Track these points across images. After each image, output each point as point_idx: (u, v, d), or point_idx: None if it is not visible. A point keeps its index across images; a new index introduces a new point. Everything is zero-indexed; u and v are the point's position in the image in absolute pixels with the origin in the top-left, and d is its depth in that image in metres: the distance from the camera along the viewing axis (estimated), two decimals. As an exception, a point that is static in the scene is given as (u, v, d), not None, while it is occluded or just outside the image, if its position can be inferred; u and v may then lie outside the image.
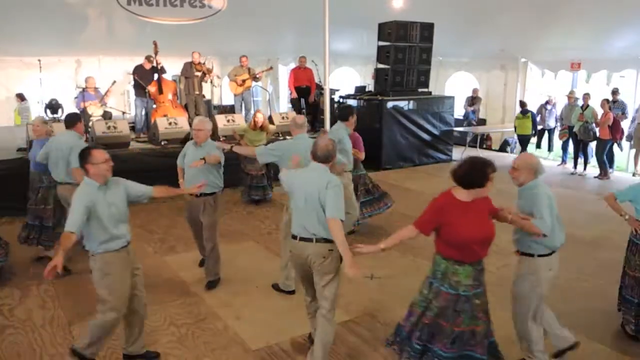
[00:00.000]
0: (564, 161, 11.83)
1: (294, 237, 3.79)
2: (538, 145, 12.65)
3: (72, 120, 5.86)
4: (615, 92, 10.90)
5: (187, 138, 9.43)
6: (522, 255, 3.95)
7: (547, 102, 12.18)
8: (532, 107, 12.17)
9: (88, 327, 3.86)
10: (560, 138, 11.79)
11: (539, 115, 12.21)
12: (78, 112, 10.54)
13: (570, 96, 11.40)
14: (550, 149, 12.72)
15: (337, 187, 3.67)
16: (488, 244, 3.55)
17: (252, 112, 12.00)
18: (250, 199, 8.56)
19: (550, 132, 12.35)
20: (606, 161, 10.57)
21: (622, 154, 11.39)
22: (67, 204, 5.76)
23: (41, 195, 6.06)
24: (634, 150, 10.97)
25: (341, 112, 7.05)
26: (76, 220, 3.55)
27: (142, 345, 4.17)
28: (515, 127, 11.82)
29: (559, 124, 12.03)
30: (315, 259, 3.74)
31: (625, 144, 11.03)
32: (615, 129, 10.28)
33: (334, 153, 3.80)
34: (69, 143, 5.59)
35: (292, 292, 5.24)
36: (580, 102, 11.17)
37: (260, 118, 8.47)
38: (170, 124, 9.38)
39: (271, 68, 12.93)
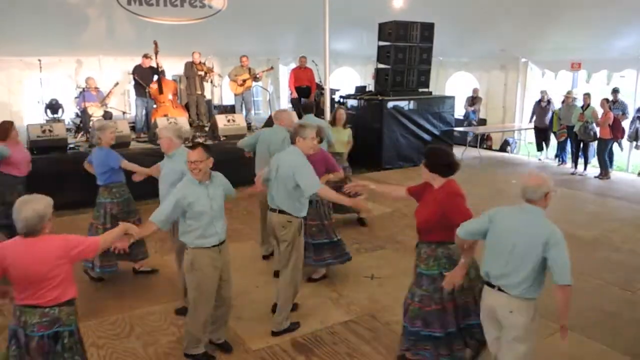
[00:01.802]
0: (563, 161, 11.83)
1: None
2: (539, 147, 12.54)
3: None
4: (615, 91, 10.89)
5: (186, 138, 9.46)
6: None
7: (540, 100, 12.02)
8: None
9: (184, 327, 4.16)
10: (559, 138, 11.79)
11: (534, 114, 12.16)
12: (78, 112, 10.58)
13: (569, 96, 11.39)
14: (543, 147, 12.54)
15: (308, 167, 4.29)
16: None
17: (253, 112, 12.04)
18: None
19: (547, 130, 12.16)
20: (607, 161, 10.57)
21: (622, 154, 11.38)
22: None
23: None
24: (634, 151, 10.97)
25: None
26: (161, 211, 3.82)
27: (222, 334, 4.30)
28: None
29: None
30: (277, 228, 4.41)
31: (625, 143, 11.02)
32: (615, 129, 10.28)
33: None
34: None
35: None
36: (578, 102, 11.18)
37: (343, 115, 7.36)
38: (170, 123, 9.37)
39: (272, 68, 12.94)
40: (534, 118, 12.18)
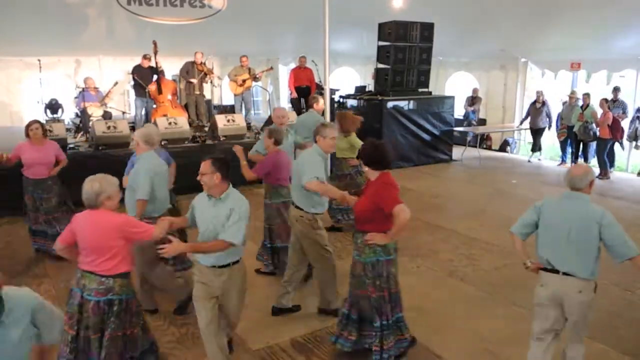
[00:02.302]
0: (563, 161, 11.83)
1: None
2: (534, 149, 12.44)
3: None
4: (616, 89, 10.86)
5: (186, 138, 9.45)
6: None
7: (535, 101, 11.98)
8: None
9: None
10: (559, 138, 11.79)
11: (529, 114, 12.11)
12: (78, 112, 10.59)
13: (572, 96, 11.39)
14: (537, 148, 12.42)
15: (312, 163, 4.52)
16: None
17: (252, 112, 12.03)
18: None
19: (540, 132, 12.11)
20: (607, 161, 10.57)
21: (622, 154, 11.37)
22: None
23: None
24: (634, 151, 10.97)
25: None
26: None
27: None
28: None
29: (554, 123, 12.03)
30: (292, 222, 4.70)
31: (625, 143, 11.02)
32: (615, 128, 10.28)
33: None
34: None
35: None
36: (580, 102, 11.17)
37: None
38: (170, 123, 9.37)
39: (271, 68, 12.94)
40: (529, 119, 12.13)
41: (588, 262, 3.35)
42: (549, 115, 12.05)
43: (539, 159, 12.46)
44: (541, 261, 3.59)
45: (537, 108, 11.91)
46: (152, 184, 4.55)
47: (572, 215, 3.40)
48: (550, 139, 13.08)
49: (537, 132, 12.15)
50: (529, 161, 12.34)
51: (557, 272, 3.47)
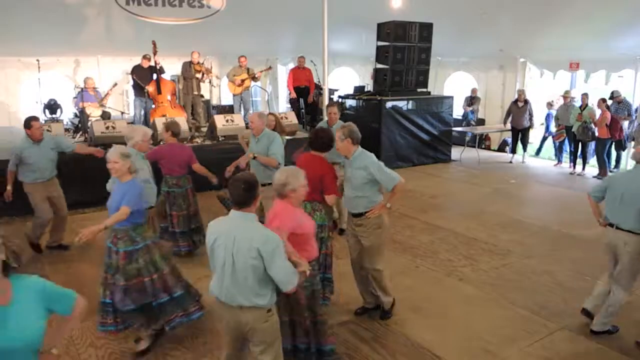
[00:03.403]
0: (559, 161, 11.84)
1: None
2: (514, 149, 12.31)
3: None
4: (616, 95, 10.76)
5: (185, 138, 9.43)
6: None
7: (517, 99, 11.88)
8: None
9: None
10: (557, 138, 11.79)
11: (509, 114, 11.97)
12: (77, 112, 10.58)
13: (566, 96, 11.40)
14: (523, 149, 12.29)
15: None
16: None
17: (251, 112, 12.02)
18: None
19: (525, 131, 12.02)
20: (606, 160, 10.57)
21: (623, 153, 11.36)
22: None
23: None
24: (633, 151, 10.95)
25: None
26: None
27: None
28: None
29: (536, 122, 12.03)
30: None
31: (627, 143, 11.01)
32: (614, 128, 10.29)
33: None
34: None
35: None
36: (576, 103, 11.17)
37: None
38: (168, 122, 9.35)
39: (270, 68, 12.94)
40: (510, 118, 11.98)
41: (633, 219, 4.27)
42: (531, 115, 11.96)
43: (523, 161, 12.15)
44: (606, 219, 4.57)
45: (519, 107, 11.80)
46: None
47: (627, 183, 4.37)
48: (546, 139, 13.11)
49: (520, 132, 12.01)
50: (511, 162, 12.13)
51: (612, 225, 4.46)
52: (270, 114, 6.99)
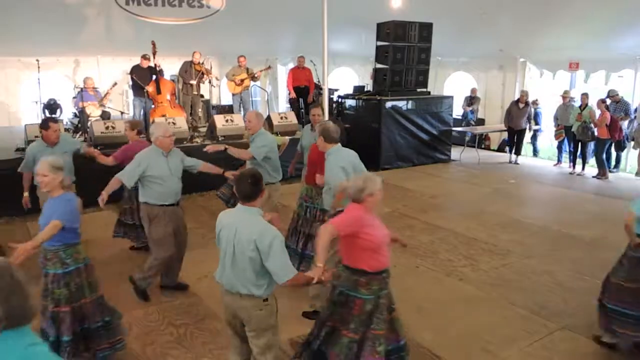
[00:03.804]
0: (559, 161, 11.84)
1: None
2: (511, 150, 12.19)
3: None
4: (613, 94, 10.75)
5: (185, 138, 9.44)
6: None
7: (518, 100, 11.79)
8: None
9: None
10: (557, 138, 11.78)
11: (509, 114, 11.87)
12: (76, 112, 10.58)
13: (565, 96, 11.39)
14: (517, 151, 12.12)
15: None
16: None
17: (251, 111, 12.01)
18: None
19: (520, 133, 11.93)
20: (605, 160, 10.57)
21: (622, 154, 11.37)
22: None
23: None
24: (633, 151, 10.97)
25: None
26: None
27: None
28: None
29: (536, 125, 12.05)
30: None
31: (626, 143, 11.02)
32: (613, 129, 10.29)
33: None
34: None
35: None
36: (575, 103, 11.16)
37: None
38: (169, 124, 9.36)
39: (269, 67, 12.93)
40: (509, 119, 11.83)
41: None
42: (529, 118, 11.94)
43: (517, 162, 12.01)
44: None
45: (519, 108, 11.69)
46: None
47: None
48: (548, 139, 13.12)
49: (517, 133, 11.95)
50: (510, 162, 12.05)
51: None
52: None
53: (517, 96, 12.28)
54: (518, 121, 11.78)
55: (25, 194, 5.84)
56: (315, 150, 5.10)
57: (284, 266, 3.11)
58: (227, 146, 5.62)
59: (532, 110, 12.16)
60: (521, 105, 11.72)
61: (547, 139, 13.22)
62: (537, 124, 12.63)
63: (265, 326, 3.26)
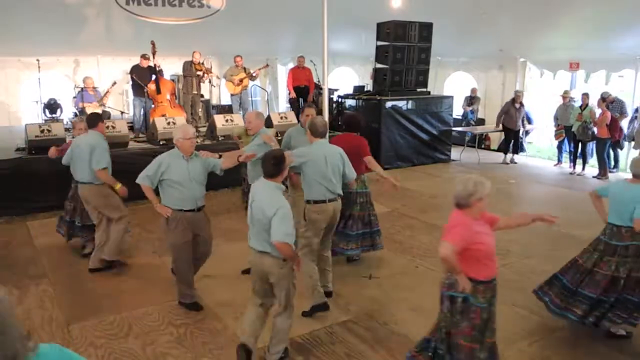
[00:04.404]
0: (559, 161, 11.84)
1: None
2: (507, 149, 12.19)
3: (93, 120, 5.94)
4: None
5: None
6: None
7: (514, 100, 11.77)
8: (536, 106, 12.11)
9: None
10: (557, 138, 11.78)
11: (505, 113, 11.85)
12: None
13: (565, 96, 11.39)
14: (515, 150, 12.16)
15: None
16: None
17: (251, 111, 12.02)
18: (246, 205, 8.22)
19: (517, 133, 11.95)
20: (606, 160, 10.57)
21: (621, 153, 11.36)
22: (86, 203, 5.82)
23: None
24: (633, 151, 10.97)
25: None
26: None
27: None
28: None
29: (528, 125, 12.09)
30: None
31: (624, 143, 11.01)
32: (613, 128, 10.29)
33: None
34: (90, 143, 5.66)
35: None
36: (575, 103, 11.15)
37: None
38: (168, 123, 9.36)
39: (267, 65, 12.90)
40: (507, 119, 11.80)
41: None
42: (524, 118, 11.96)
43: (515, 162, 12.03)
44: None
45: (516, 108, 11.71)
46: None
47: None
48: (548, 139, 13.11)
49: (515, 133, 11.97)
50: (512, 162, 12.03)
51: None
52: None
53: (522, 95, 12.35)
54: (515, 121, 11.79)
55: (119, 186, 5.75)
56: (342, 140, 5.65)
57: (280, 229, 3.64)
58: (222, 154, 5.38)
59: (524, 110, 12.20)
60: (517, 106, 11.75)
61: (547, 139, 13.21)
62: (529, 123, 12.64)
63: (284, 280, 3.88)
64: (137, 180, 4.77)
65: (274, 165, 3.80)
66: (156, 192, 4.83)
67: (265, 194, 3.78)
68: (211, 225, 5.14)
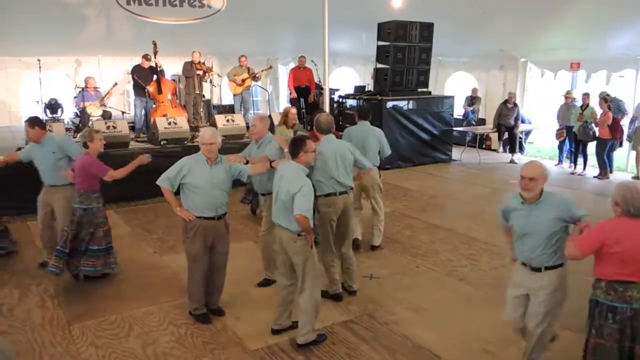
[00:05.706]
0: (560, 161, 11.84)
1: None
2: (506, 148, 12.28)
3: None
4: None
5: (186, 138, 9.45)
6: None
7: (506, 101, 11.86)
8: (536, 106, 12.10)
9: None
10: (558, 138, 11.77)
11: (500, 114, 11.92)
12: (77, 112, 10.59)
13: (568, 96, 11.39)
14: (512, 149, 12.21)
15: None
16: None
17: (252, 111, 12.04)
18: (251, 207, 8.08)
19: (511, 130, 12.01)
20: (606, 160, 10.56)
21: (621, 154, 11.36)
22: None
23: None
24: (632, 151, 10.96)
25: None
26: None
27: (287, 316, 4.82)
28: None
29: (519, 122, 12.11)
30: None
31: (624, 143, 11.00)
32: (614, 129, 10.28)
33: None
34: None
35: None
36: (577, 103, 11.15)
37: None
38: (169, 123, 9.37)
39: (270, 67, 12.93)
40: (499, 117, 11.90)
41: None
42: (517, 118, 11.98)
43: (515, 162, 11.91)
44: None
45: (508, 108, 11.86)
46: None
47: None
48: (548, 139, 13.11)
49: (508, 130, 12.04)
50: (512, 162, 11.96)
51: None
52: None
53: (517, 96, 12.43)
54: (508, 119, 11.88)
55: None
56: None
57: (302, 205, 4.01)
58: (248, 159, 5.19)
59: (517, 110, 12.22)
60: (509, 106, 11.85)
61: (548, 139, 13.20)
62: (522, 122, 12.66)
63: (301, 253, 4.20)
64: (158, 182, 4.56)
65: (292, 147, 4.28)
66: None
67: (292, 173, 4.19)
68: (229, 237, 4.90)
